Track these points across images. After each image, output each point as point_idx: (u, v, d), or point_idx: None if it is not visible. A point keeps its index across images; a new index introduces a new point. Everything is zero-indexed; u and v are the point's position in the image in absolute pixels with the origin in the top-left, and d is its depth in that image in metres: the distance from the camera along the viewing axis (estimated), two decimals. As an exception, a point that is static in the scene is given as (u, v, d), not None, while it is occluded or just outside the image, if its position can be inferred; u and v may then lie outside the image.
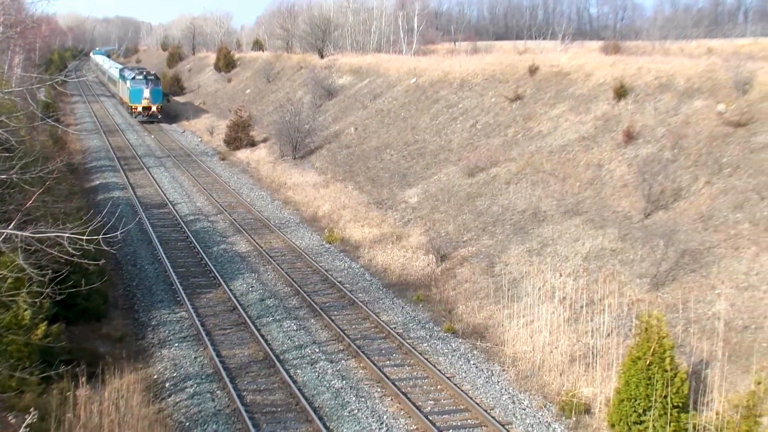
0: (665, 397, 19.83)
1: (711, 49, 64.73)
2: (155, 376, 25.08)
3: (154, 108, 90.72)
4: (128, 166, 61.91)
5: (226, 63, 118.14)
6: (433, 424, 21.65)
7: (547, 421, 22.48)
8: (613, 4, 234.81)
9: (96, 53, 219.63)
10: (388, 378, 24.55)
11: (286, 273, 35.04)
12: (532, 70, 52.20)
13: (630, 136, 38.47)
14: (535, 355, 25.94)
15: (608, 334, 25.66)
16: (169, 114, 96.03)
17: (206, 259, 36.98)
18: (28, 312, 22.05)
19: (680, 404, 20.02)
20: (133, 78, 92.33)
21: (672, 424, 19.86)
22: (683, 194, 32.89)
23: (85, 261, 19.79)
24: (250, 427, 21.30)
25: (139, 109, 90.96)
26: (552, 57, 57.53)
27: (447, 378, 24.79)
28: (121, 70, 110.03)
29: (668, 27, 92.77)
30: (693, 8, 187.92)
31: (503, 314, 29.17)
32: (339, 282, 34.03)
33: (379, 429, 21.85)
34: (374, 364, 25.64)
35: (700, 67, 41.30)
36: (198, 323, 28.89)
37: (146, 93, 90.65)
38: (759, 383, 18.81)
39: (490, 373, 25.67)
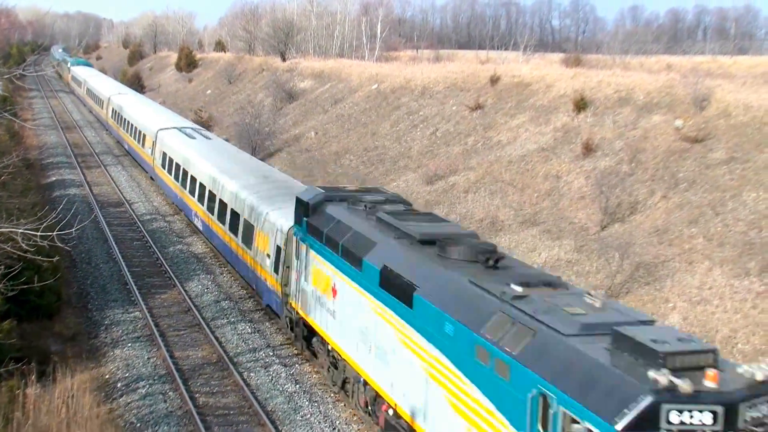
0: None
1: (670, 65, 65.57)
2: (107, 376, 24.83)
3: None
4: (85, 163, 61.26)
5: (188, 63, 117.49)
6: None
7: None
8: (575, 17, 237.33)
9: (75, 63, 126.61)
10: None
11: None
12: (494, 80, 52.47)
13: (589, 149, 38.78)
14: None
15: (562, 345, 25.75)
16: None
17: (162, 259, 36.68)
18: (-21, 308, 21.78)
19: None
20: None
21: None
22: (639, 208, 33.20)
23: (39, 258, 19.62)
24: (202, 429, 21.14)
25: None
26: (513, 67, 57.94)
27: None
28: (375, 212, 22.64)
29: (629, 42, 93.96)
30: (653, 24, 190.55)
31: (458, 322, 29.14)
32: (295, 286, 33.68)
33: (332, 434, 21.80)
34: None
35: (659, 83, 41.78)
36: (152, 323, 28.64)
37: None
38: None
39: (444, 380, 25.58)
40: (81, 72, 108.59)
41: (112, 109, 70.57)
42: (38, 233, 17.07)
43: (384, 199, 24.39)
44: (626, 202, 33.62)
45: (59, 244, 17.49)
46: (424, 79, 60.17)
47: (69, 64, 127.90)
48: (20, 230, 16.98)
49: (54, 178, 54.74)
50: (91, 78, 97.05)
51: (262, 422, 21.95)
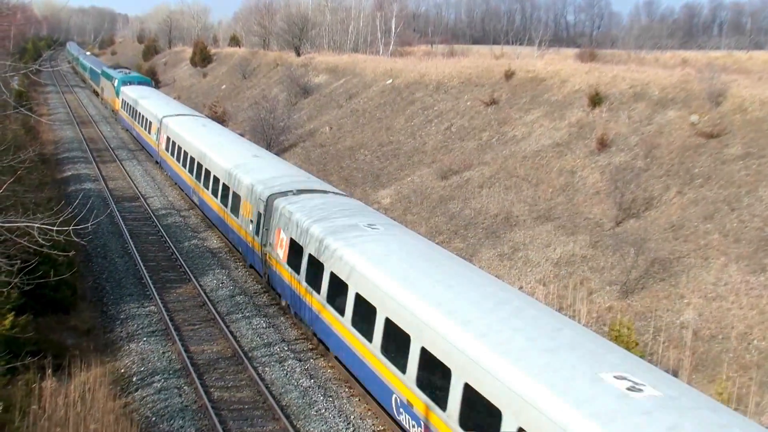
0: (632, 404, 18.81)
1: (685, 60, 65.33)
2: (122, 370, 24.92)
3: None
4: (101, 158, 61.42)
5: (202, 58, 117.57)
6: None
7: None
8: (590, 12, 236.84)
9: (126, 80, 79.79)
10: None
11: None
12: (508, 75, 52.38)
13: (603, 144, 38.67)
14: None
15: (577, 340, 25.70)
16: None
17: (177, 253, 36.77)
18: (-5, 302, 21.86)
19: (646, 412, 18.99)
20: None
21: None
22: (654, 203, 33.10)
23: (55, 252, 19.68)
24: (217, 424, 21.22)
25: None
26: (528, 62, 57.75)
27: (415, 380, 24.36)
28: None
29: (644, 37, 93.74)
30: (668, 19, 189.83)
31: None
32: (310, 281, 33.63)
33: (346, 429, 21.84)
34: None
35: (674, 78, 41.61)
36: (167, 318, 28.73)
37: None
38: (721, 394, 18.96)
39: (458, 375, 25.54)
40: (144, 100, 63.77)
41: (267, 209, 30.62)
42: (54, 228, 17.12)
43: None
44: (641, 197, 33.52)
45: (75, 239, 17.51)
46: (439, 74, 60.09)
47: (115, 82, 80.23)
48: (36, 225, 17.03)
49: (69, 173, 54.91)
50: (177, 122, 51.67)
51: (276, 417, 22.01)
